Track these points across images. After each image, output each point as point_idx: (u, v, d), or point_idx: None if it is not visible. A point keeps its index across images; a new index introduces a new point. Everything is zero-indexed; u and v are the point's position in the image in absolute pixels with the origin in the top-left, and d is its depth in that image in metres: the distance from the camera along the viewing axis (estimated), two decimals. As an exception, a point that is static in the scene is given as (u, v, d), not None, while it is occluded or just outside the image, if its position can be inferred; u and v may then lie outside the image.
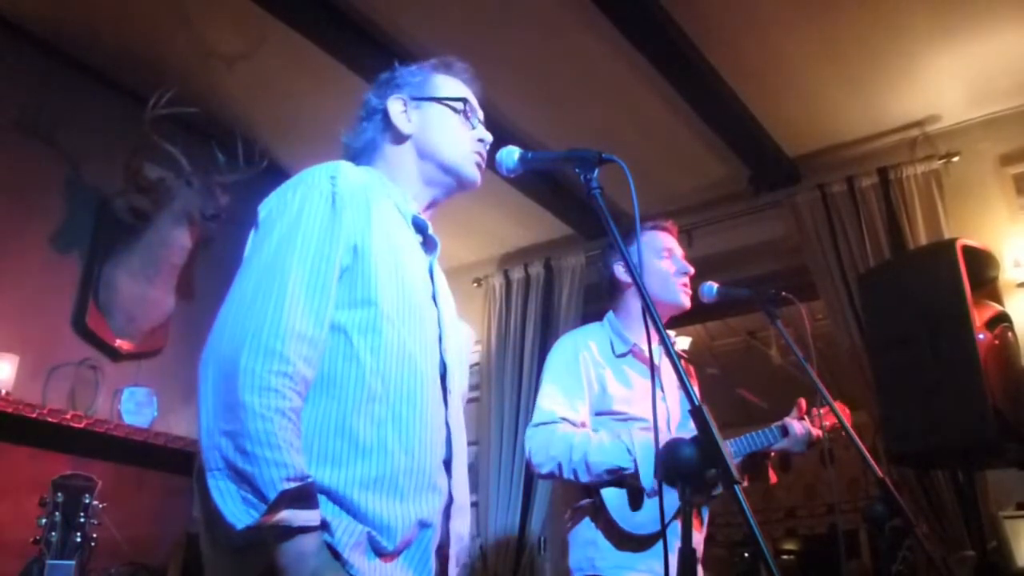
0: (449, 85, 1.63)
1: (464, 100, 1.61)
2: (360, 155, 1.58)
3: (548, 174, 4.26)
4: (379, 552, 1.22)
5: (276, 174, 4.01)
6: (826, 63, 3.44)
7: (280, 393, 1.16)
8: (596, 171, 1.43)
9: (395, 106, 1.56)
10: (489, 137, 1.63)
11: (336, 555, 1.16)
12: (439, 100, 1.60)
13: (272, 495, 1.10)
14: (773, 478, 2.47)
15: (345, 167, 1.40)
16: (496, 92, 3.67)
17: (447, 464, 1.37)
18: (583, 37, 3.31)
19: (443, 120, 1.59)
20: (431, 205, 1.60)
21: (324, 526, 1.16)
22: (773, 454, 2.41)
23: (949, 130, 3.76)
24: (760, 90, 3.59)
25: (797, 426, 2.33)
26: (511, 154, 1.57)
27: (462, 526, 1.40)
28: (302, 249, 1.27)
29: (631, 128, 3.86)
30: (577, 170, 1.45)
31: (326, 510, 1.18)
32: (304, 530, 1.12)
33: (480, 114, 1.65)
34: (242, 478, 1.11)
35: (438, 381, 1.39)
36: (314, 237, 1.28)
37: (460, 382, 1.48)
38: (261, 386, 1.15)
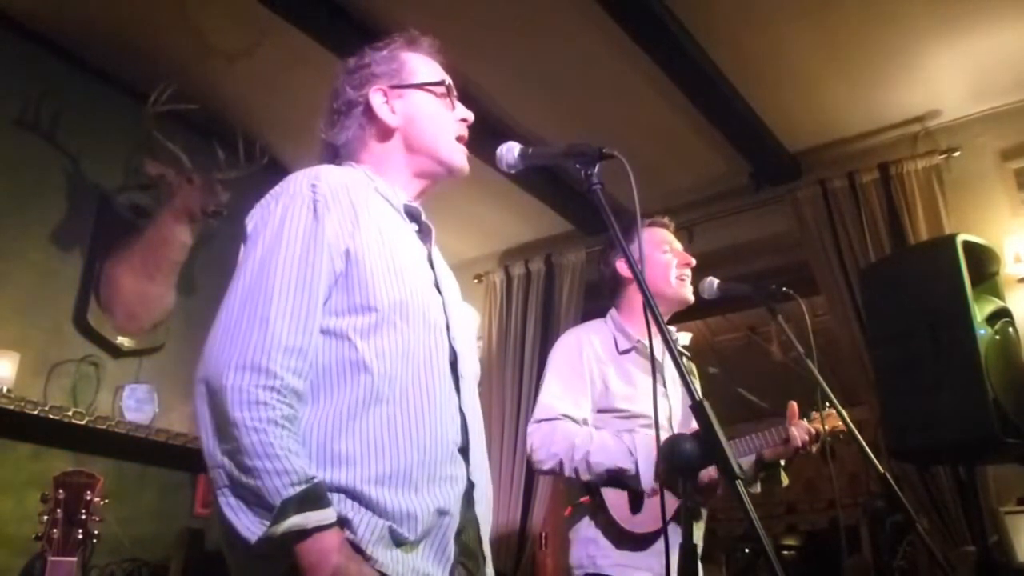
0: (426, 67, 1.61)
1: (443, 82, 1.59)
2: (344, 151, 1.56)
3: (549, 170, 4.25)
4: (400, 543, 1.22)
5: (277, 171, 4.01)
6: (827, 59, 3.44)
7: (269, 405, 1.17)
8: (597, 167, 1.43)
9: (377, 98, 1.54)
10: (470, 115, 1.61)
11: (359, 551, 1.17)
12: (420, 86, 1.57)
13: (279, 503, 1.11)
14: (786, 480, 2.47)
15: (326, 171, 1.39)
16: (497, 88, 3.66)
17: (464, 451, 1.37)
18: (584, 33, 3.31)
19: (428, 107, 1.56)
20: (420, 194, 1.59)
21: (345, 523, 1.17)
22: (783, 461, 2.40)
23: (950, 125, 3.76)
24: (761, 86, 3.59)
25: (797, 430, 2.32)
26: (511, 150, 1.55)
27: (486, 510, 1.40)
28: (286, 259, 1.27)
29: (632, 124, 3.85)
30: (578, 166, 1.44)
31: (345, 507, 1.19)
32: (321, 528, 1.13)
33: (455, 91, 1.63)
34: (248, 492, 1.13)
35: (448, 370, 1.39)
36: (298, 246, 1.28)
37: (471, 366, 1.48)
38: (249, 401, 1.16)
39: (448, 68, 1.66)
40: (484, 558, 1.38)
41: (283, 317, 1.23)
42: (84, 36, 3.57)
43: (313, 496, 1.14)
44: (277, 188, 1.37)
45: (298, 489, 1.13)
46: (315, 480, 1.16)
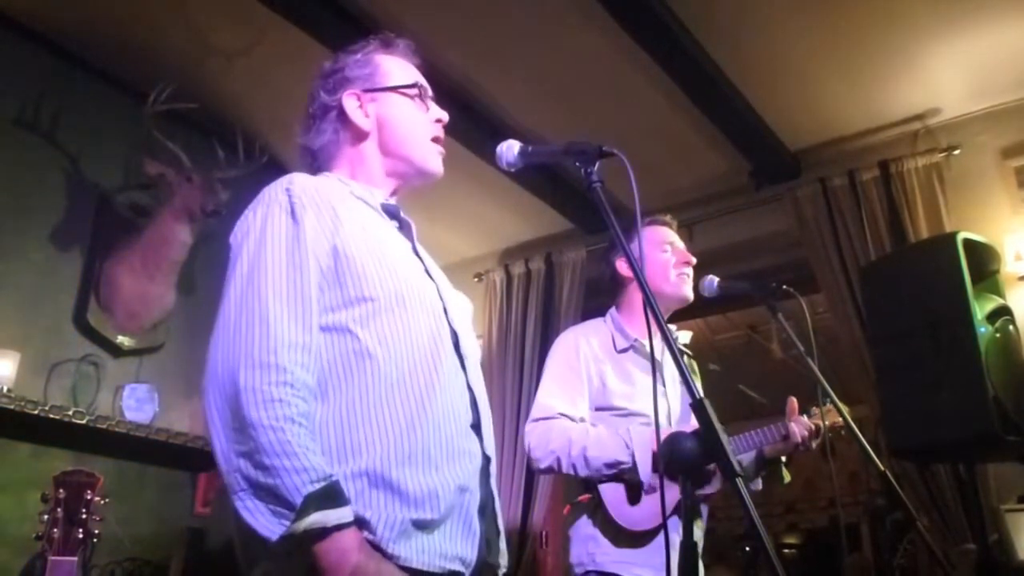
0: (399, 70, 1.61)
1: (416, 84, 1.60)
2: (320, 156, 1.58)
3: (549, 168, 4.25)
4: (423, 527, 1.23)
5: (276, 170, 3.99)
6: (827, 57, 3.44)
7: (285, 402, 1.18)
8: (596, 165, 1.43)
9: (350, 103, 1.55)
10: (445, 115, 1.62)
11: (379, 550, 1.17)
12: (393, 89, 1.58)
13: (299, 501, 1.11)
14: (788, 477, 2.47)
15: (299, 177, 1.41)
16: (497, 87, 3.66)
17: (476, 427, 1.39)
18: (584, 32, 3.31)
19: (400, 110, 1.57)
20: (394, 192, 1.60)
21: (363, 524, 1.18)
22: (784, 458, 2.40)
23: (950, 123, 3.75)
24: (761, 84, 3.59)
25: (796, 425, 2.32)
26: (511, 148, 1.56)
27: (495, 484, 1.43)
28: (273, 262, 1.29)
29: (632, 122, 3.85)
30: (577, 164, 1.44)
31: (364, 501, 1.19)
32: (340, 527, 1.13)
33: (430, 91, 1.64)
34: (267, 492, 1.13)
35: (452, 350, 1.40)
36: (282, 248, 1.30)
37: (473, 345, 1.50)
38: (265, 400, 1.17)
39: (427, 69, 1.67)
40: (499, 532, 1.40)
41: (281, 315, 1.24)
42: (84, 36, 3.57)
43: (332, 494, 1.15)
44: (254, 201, 1.39)
45: (317, 486, 1.13)
46: (333, 478, 1.16)
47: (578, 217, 4.63)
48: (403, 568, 1.19)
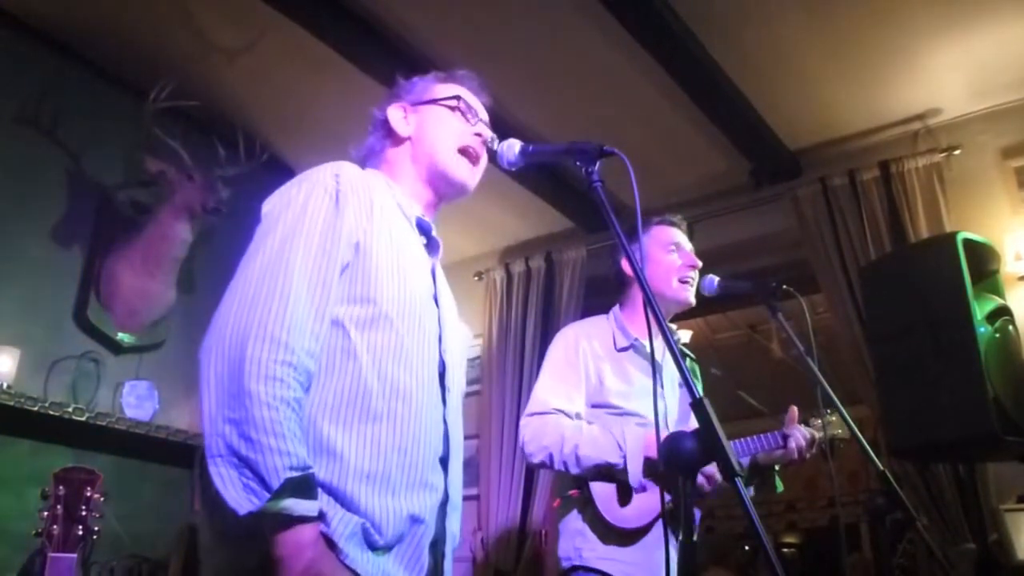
0: (447, 89, 1.66)
1: (457, 97, 1.63)
2: (363, 162, 1.61)
3: (549, 167, 4.25)
4: (372, 545, 1.23)
5: (277, 168, 4.02)
6: (827, 56, 3.43)
7: (285, 383, 1.18)
8: (597, 164, 1.43)
9: (395, 113, 1.61)
10: (489, 133, 1.64)
11: (332, 545, 1.17)
12: (434, 101, 1.63)
13: (275, 483, 1.11)
14: (780, 487, 2.46)
15: (349, 166, 1.43)
16: (496, 85, 3.61)
17: (444, 462, 1.38)
18: (584, 30, 3.30)
19: (438, 118, 1.61)
20: (430, 205, 1.62)
21: (320, 516, 1.18)
22: (778, 466, 2.40)
23: (950, 123, 3.75)
24: (761, 83, 3.58)
25: (794, 435, 2.32)
26: (512, 147, 1.57)
27: (455, 524, 1.42)
28: (306, 244, 1.29)
29: (632, 121, 3.85)
30: (578, 163, 1.45)
31: (321, 501, 1.19)
32: (303, 520, 1.13)
33: (480, 112, 1.67)
34: (245, 464, 1.13)
35: (436, 379, 1.40)
36: (317, 232, 1.30)
37: (459, 380, 1.49)
38: (267, 375, 1.17)
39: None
40: (444, 573, 1.39)
41: (301, 297, 1.25)
42: (85, 33, 3.57)
43: (307, 485, 1.15)
44: (300, 176, 1.40)
45: (297, 474, 1.14)
46: (310, 470, 1.17)
47: (578, 216, 4.63)
48: (351, 571, 1.19)
